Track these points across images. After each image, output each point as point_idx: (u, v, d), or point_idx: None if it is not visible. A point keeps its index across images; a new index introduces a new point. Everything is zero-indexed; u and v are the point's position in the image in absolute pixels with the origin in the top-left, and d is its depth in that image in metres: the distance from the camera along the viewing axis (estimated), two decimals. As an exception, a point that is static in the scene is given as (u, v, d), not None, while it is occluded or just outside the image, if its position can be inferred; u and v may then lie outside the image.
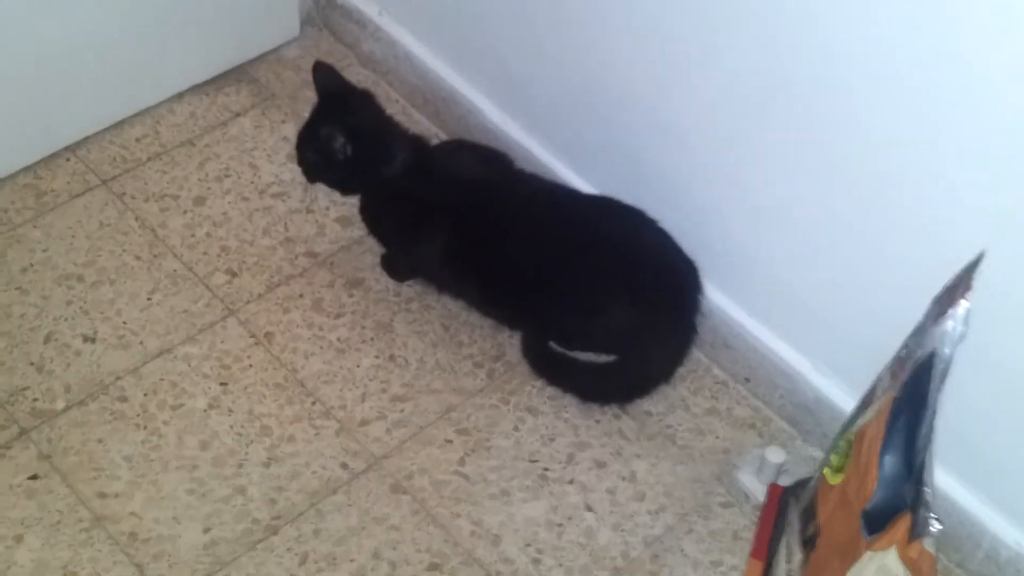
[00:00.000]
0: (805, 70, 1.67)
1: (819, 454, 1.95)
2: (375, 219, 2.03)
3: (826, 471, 1.58)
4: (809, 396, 1.93)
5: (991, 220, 1.56)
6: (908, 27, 1.52)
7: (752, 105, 1.77)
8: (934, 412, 1.47)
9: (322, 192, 2.19)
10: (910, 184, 1.64)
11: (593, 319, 1.92)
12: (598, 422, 1.98)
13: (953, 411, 1.52)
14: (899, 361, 1.57)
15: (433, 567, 1.79)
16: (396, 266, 2.11)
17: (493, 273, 1.95)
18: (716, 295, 1.98)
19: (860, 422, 1.57)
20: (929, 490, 1.45)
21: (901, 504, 1.44)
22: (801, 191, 1.79)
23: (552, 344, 2.00)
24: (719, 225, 1.94)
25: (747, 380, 2.02)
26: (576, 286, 1.90)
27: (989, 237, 1.49)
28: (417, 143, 1.98)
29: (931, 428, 1.47)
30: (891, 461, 1.47)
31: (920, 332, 1.55)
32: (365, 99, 1.97)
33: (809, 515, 1.60)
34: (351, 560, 1.78)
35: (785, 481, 1.91)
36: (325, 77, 1.95)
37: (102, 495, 1.80)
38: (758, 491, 1.91)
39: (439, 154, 2.05)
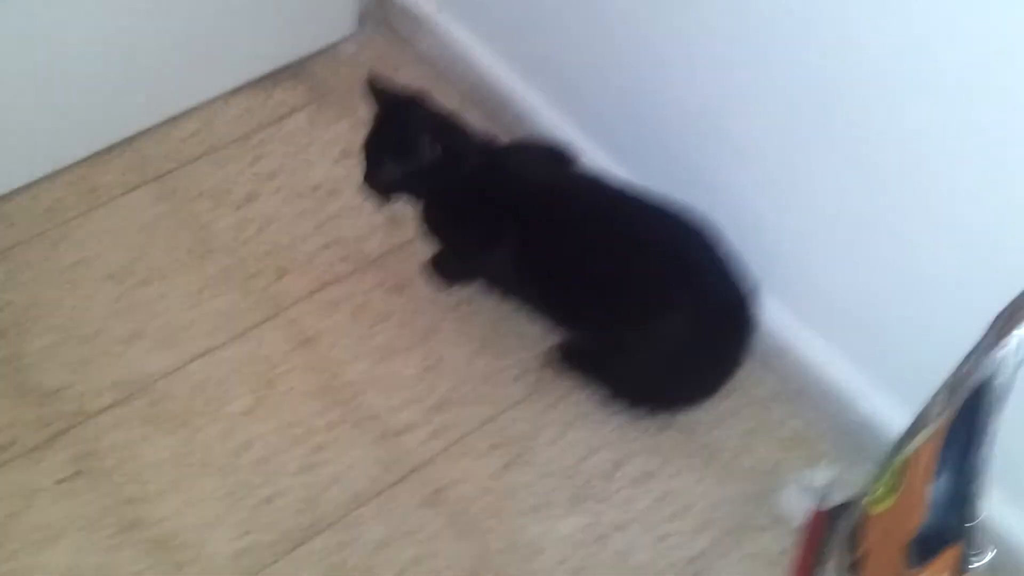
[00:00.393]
0: (866, 78, 1.61)
1: (866, 476, 1.89)
2: (443, 221, 1.97)
3: (872, 497, 1.52)
4: (860, 415, 1.88)
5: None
6: (963, 32, 1.46)
7: (810, 113, 1.72)
8: (990, 440, 1.41)
9: (373, 192, 2.17)
10: (975, 198, 1.57)
11: (650, 328, 1.87)
12: (641, 435, 1.94)
13: (1009, 437, 1.45)
14: (954, 383, 1.51)
15: (466, 581, 1.77)
16: (448, 269, 2.08)
17: (557, 277, 1.90)
18: (772, 304, 1.92)
19: (910, 448, 1.51)
20: (980, 522, 1.39)
21: (950, 535, 1.38)
22: (862, 203, 1.73)
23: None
24: (777, 234, 1.89)
25: (797, 396, 1.97)
26: (635, 294, 1.85)
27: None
28: (487, 141, 1.96)
29: (985, 457, 1.40)
30: (942, 490, 1.40)
31: (977, 355, 1.48)
32: (425, 101, 1.94)
33: (853, 541, 1.55)
34: (381, 573, 1.77)
35: (828, 504, 1.86)
36: (379, 87, 1.91)
37: (137, 498, 1.81)
38: (800, 513, 1.86)
39: (510, 152, 2.02)
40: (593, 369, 1.97)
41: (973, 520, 1.40)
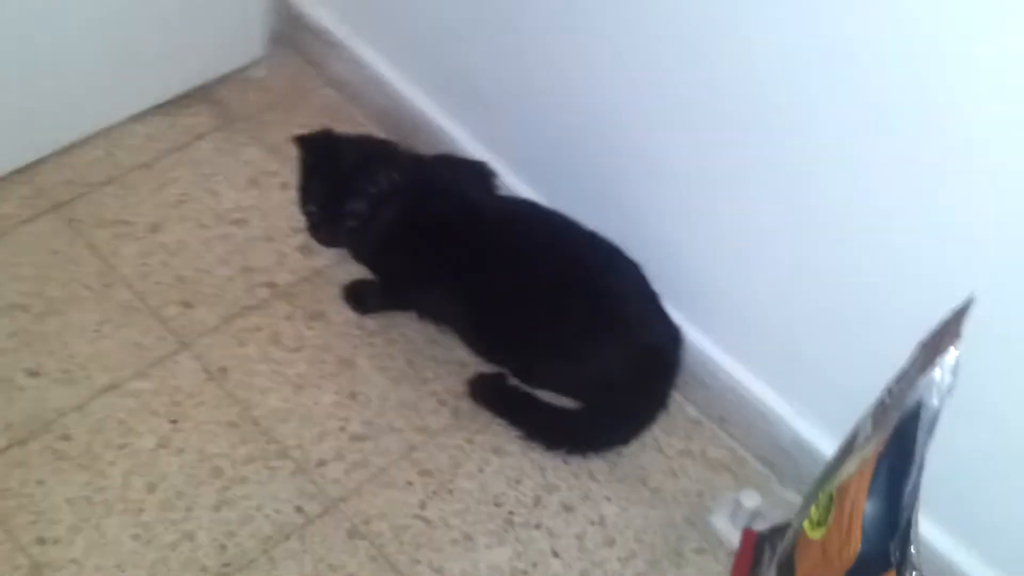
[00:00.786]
0: (788, 104, 1.59)
1: (796, 498, 1.87)
2: (385, 251, 1.90)
3: (806, 524, 1.49)
4: (786, 438, 1.85)
5: (980, 263, 1.48)
6: (895, 66, 1.44)
7: (732, 138, 1.69)
8: (921, 467, 1.39)
9: (283, 220, 2.11)
10: (898, 224, 1.55)
11: (582, 364, 1.83)
12: (566, 463, 1.89)
13: (940, 462, 1.43)
14: (882, 408, 1.49)
15: (390, 618, 1.70)
16: (369, 297, 2.02)
17: (488, 311, 1.86)
18: (694, 333, 1.90)
19: (842, 474, 1.48)
20: (915, 549, 1.36)
21: (886, 563, 1.35)
22: (783, 228, 1.71)
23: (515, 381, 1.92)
24: (697, 260, 1.86)
25: (722, 420, 1.94)
26: (569, 329, 1.82)
27: (979, 281, 1.41)
28: (418, 159, 1.92)
29: (917, 483, 1.39)
30: (875, 517, 1.38)
31: (905, 379, 1.46)
32: (355, 138, 1.91)
33: (787, 568, 1.51)
34: (304, 610, 1.69)
35: (760, 526, 1.83)
36: (305, 136, 1.86)
37: (41, 540, 1.70)
38: (732, 536, 1.83)
39: (437, 169, 1.97)
40: (510, 409, 1.92)
41: (908, 549, 1.39)
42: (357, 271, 2.02)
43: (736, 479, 1.90)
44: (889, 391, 1.50)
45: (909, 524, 1.38)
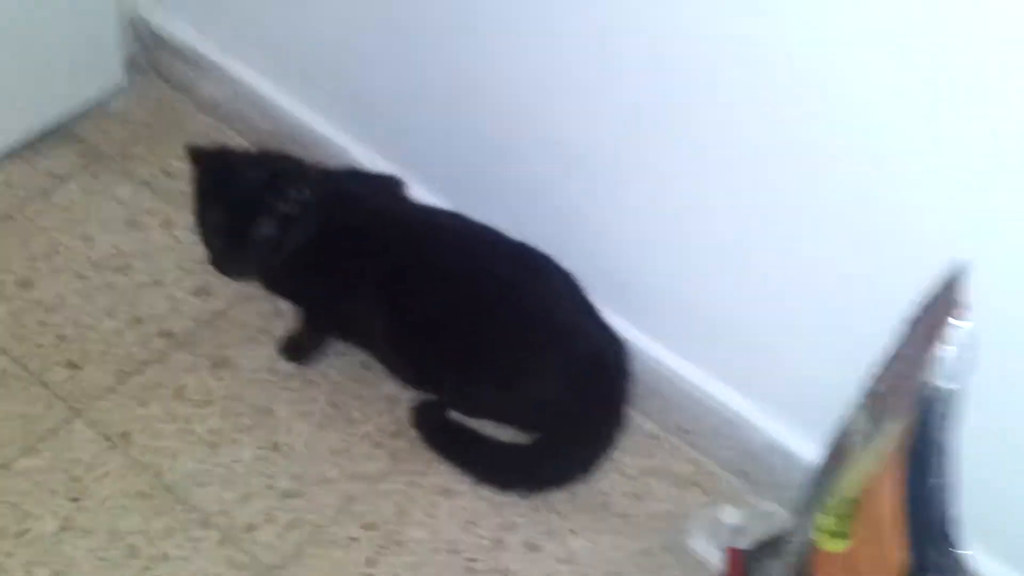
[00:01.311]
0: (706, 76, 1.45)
1: (775, 508, 1.72)
2: (302, 273, 1.69)
3: (821, 536, 1.34)
4: (757, 443, 1.71)
5: (965, 226, 1.35)
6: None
7: (655, 119, 1.55)
8: (943, 456, 1.25)
9: (171, 262, 1.89)
10: (863, 191, 1.42)
11: (516, 387, 1.66)
12: (523, 497, 1.71)
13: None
14: (878, 397, 1.35)
15: None
16: (308, 341, 1.82)
17: (412, 327, 1.68)
18: (641, 338, 1.75)
19: (853, 477, 1.32)
20: (958, 550, 1.22)
21: (935, 570, 1.21)
22: (726, 208, 1.57)
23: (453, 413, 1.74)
24: (634, 259, 1.71)
25: (684, 431, 1.79)
26: (498, 353, 1.65)
27: (965, 246, 1.28)
28: (323, 172, 1.71)
29: (943, 475, 1.24)
30: (913, 522, 1.23)
31: (901, 362, 1.33)
32: (255, 153, 1.72)
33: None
34: None
35: (743, 543, 1.67)
36: (199, 151, 1.63)
37: (-64, 656, 1.45)
38: (714, 557, 1.67)
39: (345, 181, 1.77)
40: (454, 448, 1.74)
41: (948, 551, 1.25)
42: (258, 311, 1.82)
43: (707, 494, 1.75)
44: (881, 377, 1.36)
45: (950, 523, 1.24)
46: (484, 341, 1.65)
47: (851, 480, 1.31)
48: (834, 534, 1.31)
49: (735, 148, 1.49)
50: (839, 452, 1.42)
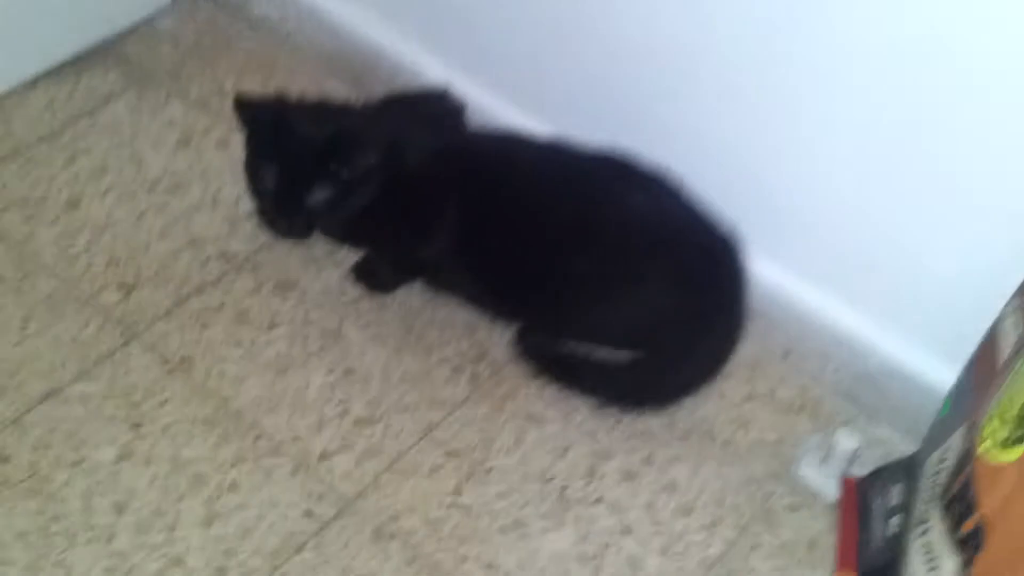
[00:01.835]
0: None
1: (890, 433, 1.60)
2: (369, 225, 1.57)
3: (985, 447, 1.20)
4: (872, 365, 1.57)
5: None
6: None
7: (795, 37, 1.41)
8: None
9: (227, 182, 1.76)
10: (982, 97, 1.29)
11: (619, 307, 1.52)
12: (618, 423, 1.58)
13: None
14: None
15: (445, 630, 1.36)
16: (387, 271, 1.68)
17: (499, 258, 1.54)
18: (750, 252, 1.59)
19: None
20: None
21: None
22: (845, 114, 1.44)
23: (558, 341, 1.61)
24: (734, 160, 1.57)
25: (789, 353, 1.65)
26: (597, 268, 1.51)
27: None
28: (370, 113, 1.58)
29: None
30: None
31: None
32: (311, 107, 1.57)
33: (962, 507, 1.21)
34: (338, 635, 1.34)
35: (859, 470, 1.54)
36: (249, 101, 1.51)
37: (-8, 587, 1.32)
38: (827, 487, 1.54)
39: (392, 116, 1.63)
40: (568, 372, 1.60)
41: None
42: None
43: (816, 421, 1.61)
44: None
45: None
46: (586, 260, 1.51)
47: (1020, 387, 1.17)
48: (1007, 442, 1.17)
49: (861, 46, 1.36)
50: (990, 361, 1.29)
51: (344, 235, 1.62)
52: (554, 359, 1.60)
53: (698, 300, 1.52)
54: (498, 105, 1.74)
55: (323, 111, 1.57)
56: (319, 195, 1.46)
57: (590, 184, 1.55)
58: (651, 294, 1.52)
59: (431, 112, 1.69)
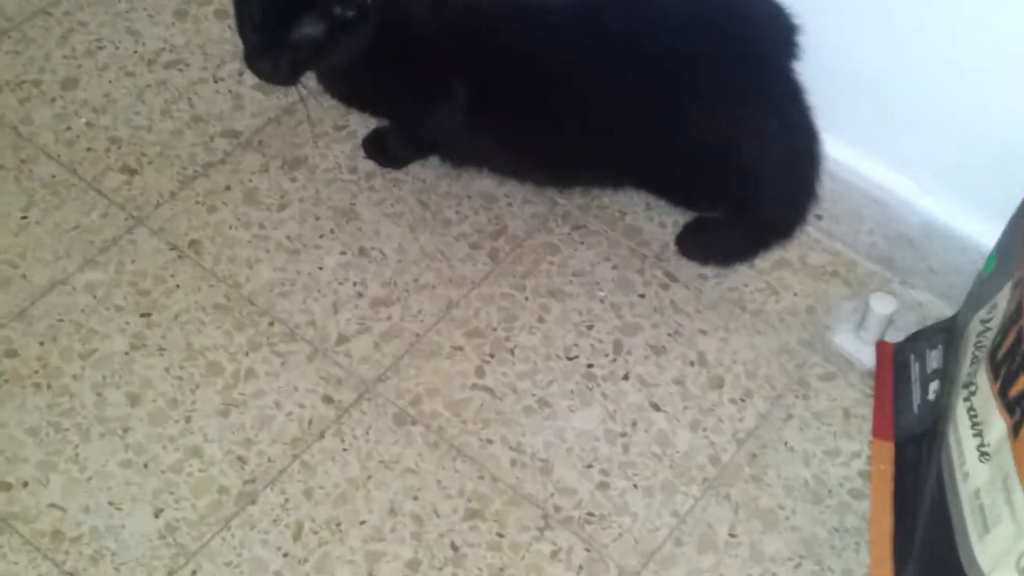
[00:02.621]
0: None
1: (927, 298, 1.54)
2: (373, 85, 1.49)
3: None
4: (911, 224, 1.51)
5: None
6: None
7: None
8: None
9: (229, 56, 1.68)
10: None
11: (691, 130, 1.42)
12: (642, 296, 1.53)
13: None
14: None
15: (472, 514, 1.33)
16: (398, 144, 1.61)
17: (542, 117, 1.45)
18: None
19: None
20: None
21: None
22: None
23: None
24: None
25: (819, 218, 1.58)
26: (651, 99, 1.41)
27: None
28: None
29: None
30: None
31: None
32: None
33: (1011, 367, 1.15)
34: (362, 522, 1.31)
35: (894, 336, 1.48)
36: None
37: (6, 486, 1.29)
38: (863, 353, 1.49)
39: None
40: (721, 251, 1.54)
41: None
42: (333, 104, 1.61)
43: (849, 286, 1.55)
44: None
45: None
46: (634, 101, 1.42)
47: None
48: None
49: None
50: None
51: (344, 93, 1.54)
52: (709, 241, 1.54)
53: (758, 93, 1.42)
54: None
55: None
56: (305, 29, 1.36)
57: (618, 24, 1.43)
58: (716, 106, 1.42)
59: None
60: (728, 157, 1.41)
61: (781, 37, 1.41)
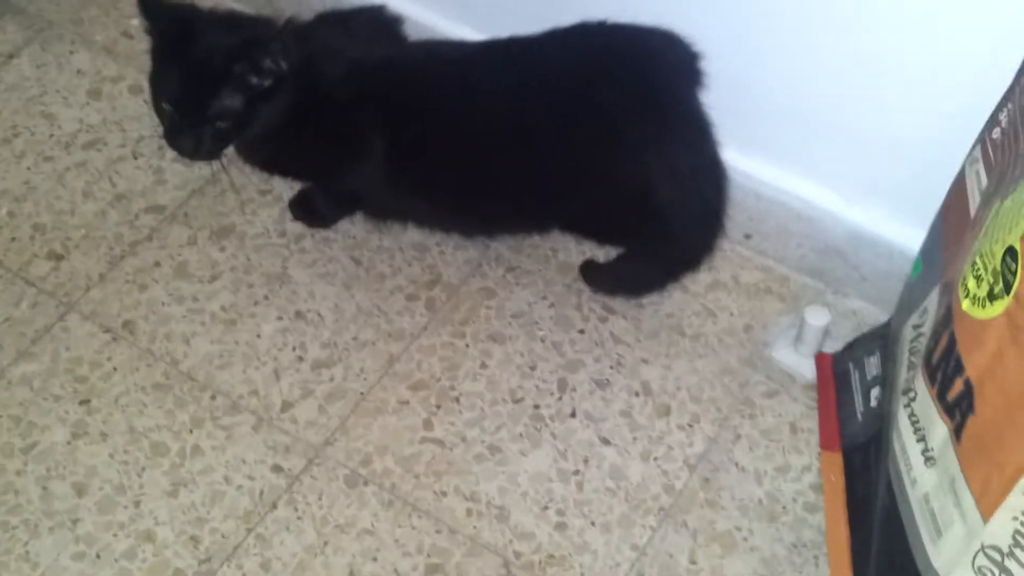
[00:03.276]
0: None
1: (861, 305, 1.56)
2: (292, 150, 1.48)
3: (966, 305, 1.15)
4: (839, 235, 1.52)
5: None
6: None
7: None
8: None
9: (147, 130, 1.68)
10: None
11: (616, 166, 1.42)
12: (582, 332, 1.53)
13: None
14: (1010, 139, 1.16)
15: (433, 569, 1.33)
16: (323, 203, 1.61)
17: (461, 170, 1.46)
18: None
19: (1003, 230, 1.12)
20: None
21: None
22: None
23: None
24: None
25: (747, 237, 1.59)
26: (567, 142, 1.41)
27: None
28: (299, 34, 1.45)
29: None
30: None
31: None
32: (222, 13, 1.48)
33: (947, 370, 1.17)
34: (323, 589, 1.30)
35: (832, 347, 1.50)
36: (160, 8, 1.40)
37: (-43, 591, 1.28)
38: (802, 367, 1.50)
39: (326, 34, 1.51)
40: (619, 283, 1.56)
41: None
42: (254, 171, 1.60)
43: (784, 301, 1.57)
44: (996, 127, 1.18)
45: None
46: (549, 145, 1.42)
47: (998, 235, 1.12)
48: (988, 296, 1.12)
49: None
50: (959, 215, 1.24)
51: (263, 160, 1.53)
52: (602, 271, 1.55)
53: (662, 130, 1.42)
54: (429, 16, 1.65)
55: (235, 20, 1.47)
56: (224, 102, 1.36)
57: (532, 64, 1.44)
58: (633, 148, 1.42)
59: (361, 28, 1.59)
60: (642, 198, 1.42)
61: (683, 67, 1.42)
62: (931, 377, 1.19)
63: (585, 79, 1.40)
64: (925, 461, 1.18)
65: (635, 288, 1.55)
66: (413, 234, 1.60)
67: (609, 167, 1.41)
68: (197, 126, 1.38)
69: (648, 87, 1.40)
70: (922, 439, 1.19)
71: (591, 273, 1.56)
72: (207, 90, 1.36)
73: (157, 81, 1.40)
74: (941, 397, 1.16)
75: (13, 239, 1.57)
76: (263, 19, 1.47)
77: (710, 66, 1.43)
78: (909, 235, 1.41)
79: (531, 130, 1.40)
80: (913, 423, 1.21)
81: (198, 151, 1.41)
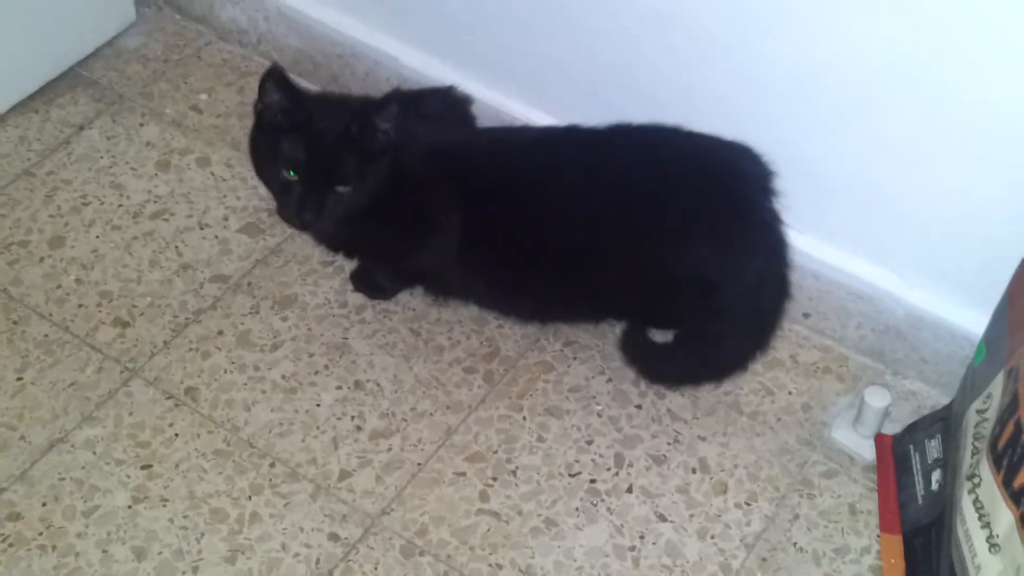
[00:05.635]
0: None
1: (920, 387, 1.55)
2: (372, 226, 1.49)
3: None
4: (898, 316, 1.52)
5: None
6: None
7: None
8: None
9: (213, 201, 1.71)
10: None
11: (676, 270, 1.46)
12: (639, 407, 1.54)
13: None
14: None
15: (488, 643, 1.32)
16: (386, 277, 1.63)
17: (525, 255, 1.48)
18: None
19: None
20: None
21: None
22: (845, 54, 1.37)
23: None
24: (742, 121, 1.49)
25: (806, 316, 1.59)
26: (637, 238, 1.44)
27: None
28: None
29: None
30: None
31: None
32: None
33: (1013, 457, 1.16)
34: (378, 660, 1.30)
35: (891, 428, 1.49)
36: (284, 79, 1.41)
37: (17, 653, 1.28)
38: (862, 447, 1.49)
39: (404, 120, 1.54)
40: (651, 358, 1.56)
41: None
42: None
43: (842, 381, 1.56)
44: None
45: None
46: (615, 240, 1.46)
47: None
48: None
49: None
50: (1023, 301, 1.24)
51: (339, 240, 1.56)
52: (650, 352, 1.56)
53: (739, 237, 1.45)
54: (494, 97, 1.68)
55: (344, 98, 1.55)
56: (346, 164, 1.38)
57: (604, 160, 1.47)
58: (701, 246, 1.45)
59: (432, 109, 1.62)
60: (704, 297, 1.45)
61: (760, 182, 1.45)
62: (996, 463, 1.18)
63: (661, 181, 1.43)
64: (990, 548, 1.17)
65: (677, 380, 1.55)
66: (472, 308, 1.61)
67: (680, 262, 1.44)
68: (320, 193, 1.39)
69: (727, 195, 1.44)
70: (987, 525, 1.18)
71: (632, 349, 1.56)
72: (332, 155, 1.38)
73: (278, 153, 1.40)
74: (1007, 484, 1.16)
75: (80, 305, 1.60)
76: (367, 97, 1.50)
77: (783, 154, 1.45)
78: (970, 318, 1.42)
79: (600, 222, 1.44)
80: (977, 509, 1.20)
81: (319, 216, 1.41)
